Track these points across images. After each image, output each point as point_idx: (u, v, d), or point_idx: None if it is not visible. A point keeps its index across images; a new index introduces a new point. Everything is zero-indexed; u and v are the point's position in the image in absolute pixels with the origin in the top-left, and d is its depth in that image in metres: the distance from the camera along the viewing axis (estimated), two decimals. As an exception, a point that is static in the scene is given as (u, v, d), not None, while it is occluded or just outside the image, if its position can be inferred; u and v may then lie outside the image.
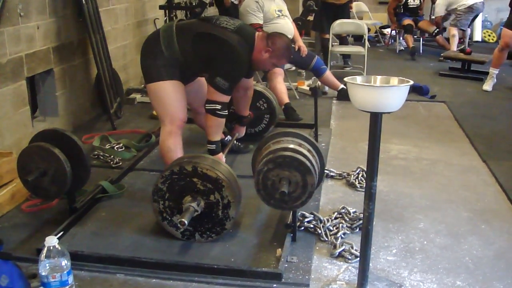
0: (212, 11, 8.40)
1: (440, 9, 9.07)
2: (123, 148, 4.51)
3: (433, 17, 9.52)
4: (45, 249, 2.36)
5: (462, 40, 9.36)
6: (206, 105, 3.60)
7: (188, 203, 2.89)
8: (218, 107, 3.56)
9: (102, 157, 4.32)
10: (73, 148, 3.19)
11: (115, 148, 4.48)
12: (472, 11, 8.79)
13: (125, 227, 3.22)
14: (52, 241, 2.37)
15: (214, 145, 3.69)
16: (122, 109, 5.60)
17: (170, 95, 3.55)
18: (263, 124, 4.76)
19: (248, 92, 4.20)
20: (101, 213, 3.41)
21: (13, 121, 4.09)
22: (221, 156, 3.69)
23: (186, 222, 2.78)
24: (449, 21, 9.10)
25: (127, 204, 3.55)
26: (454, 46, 8.85)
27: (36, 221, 3.29)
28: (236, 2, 7.76)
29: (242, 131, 4.41)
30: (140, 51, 3.74)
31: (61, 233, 2.99)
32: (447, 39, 9.18)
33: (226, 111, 3.65)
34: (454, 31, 8.88)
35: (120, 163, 4.22)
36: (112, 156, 4.31)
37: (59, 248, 2.38)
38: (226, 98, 3.59)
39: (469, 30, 9.32)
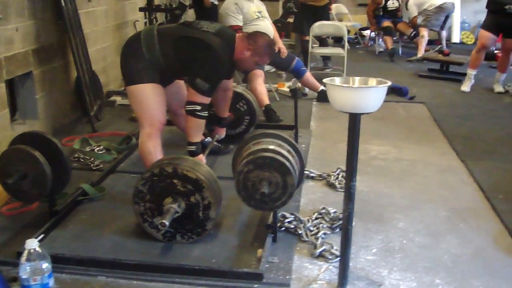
0: (191, 13, 8.39)
1: (413, 10, 9.16)
2: (104, 151, 4.49)
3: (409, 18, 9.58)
4: (26, 252, 2.36)
5: (439, 42, 9.46)
6: (186, 106, 3.61)
7: (169, 204, 2.90)
8: (198, 108, 3.57)
9: (82, 160, 4.31)
10: (54, 150, 3.18)
11: (95, 150, 4.47)
12: (442, 11, 8.88)
13: (106, 229, 3.22)
14: (32, 244, 2.37)
15: (195, 146, 3.70)
16: (102, 112, 5.58)
17: (149, 98, 3.55)
18: (243, 126, 4.77)
19: (228, 93, 4.22)
20: (82, 215, 3.40)
21: (-8, 124, 4.07)
22: (202, 157, 3.70)
23: (167, 223, 2.79)
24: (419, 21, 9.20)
25: (108, 207, 3.54)
26: (422, 47, 8.93)
27: (16, 224, 3.26)
28: (216, 3, 7.76)
29: (222, 133, 4.41)
30: (121, 53, 3.73)
31: (42, 236, 2.97)
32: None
33: (206, 112, 3.66)
34: (424, 32, 8.96)
35: (101, 166, 4.21)
36: (92, 159, 4.30)
37: (40, 251, 2.38)
38: (206, 100, 3.60)
39: (445, 32, 9.42)
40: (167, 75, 3.67)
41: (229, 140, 4.56)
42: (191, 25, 3.72)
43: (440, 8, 8.81)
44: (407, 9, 9.42)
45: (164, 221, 2.79)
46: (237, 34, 3.79)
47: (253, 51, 3.70)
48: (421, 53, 8.87)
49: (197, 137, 3.72)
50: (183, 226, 3.01)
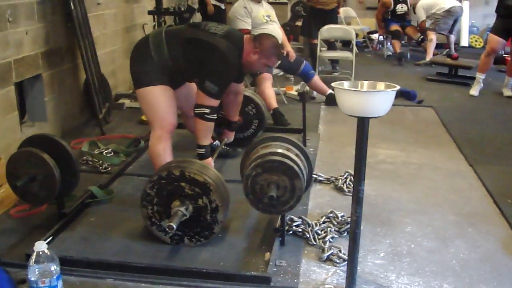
0: (200, 16, 8.41)
1: (421, 14, 9.14)
2: (112, 153, 4.50)
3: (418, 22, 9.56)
4: (34, 254, 2.36)
5: (447, 45, 9.44)
6: (195, 109, 3.61)
7: (177, 207, 2.90)
8: (207, 111, 3.57)
9: (91, 162, 4.32)
10: (62, 153, 3.19)
11: (104, 153, 4.48)
12: (451, 15, 8.87)
13: (114, 232, 3.22)
14: (41, 246, 2.37)
15: (204, 150, 3.69)
16: (110, 114, 5.60)
17: (159, 100, 3.56)
18: (251, 129, 4.77)
19: (238, 97, 4.22)
20: (90, 218, 3.41)
21: (2, 126, 4.08)
22: (210, 161, 3.70)
23: (174, 226, 2.79)
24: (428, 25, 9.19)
25: (116, 209, 3.55)
26: (430, 51, 8.93)
27: (25, 226, 3.28)
28: (223, 7, 7.77)
29: (231, 136, 4.41)
30: (130, 57, 3.75)
31: (50, 238, 2.98)
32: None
33: (215, 115, 3.66)
34: (432, 36, 8.95)
35: (109, 168, 4.22)
36: (101, 161, 4.31)
37: (48, 253, 2.38)
38: (215, 102, 3.60)
39: (453, 36, 9.39)
40: (176, 77, 3.68)
41: (237, 143, 4.56)
42: (198, 27, 3.72)
43: (448, 12, 8.80)
44: (415, 13, 9.41)
45: (171, 224, 2.79)
46: (245, 36, 3.80)
47: (260, 53, 3.71)
48: (429, 56, 8.86)
49: (206, 140, 3.71)
50: (190, 229, 3.02)
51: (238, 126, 4.45)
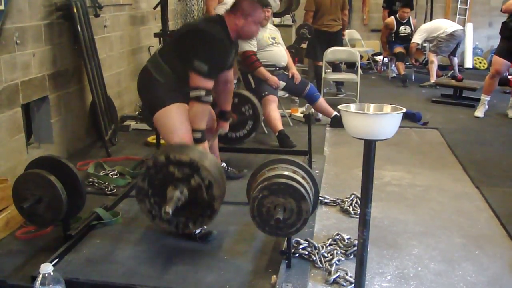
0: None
1: (416, 36, 9.07)
2: (118, 175, 4.51)
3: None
4: (40, 276, 2.35)
5: (451, 67, 9.46)
6: (190, 92, 3.52)
7: (171, 193, 2.89)
8: (202, 93, 3.48)
9: (96, 184, 4.33)
10: (69, 175, 3.20)
11: (109, 175, 4.49)
12: (454, 39, 8.90)
13: (120, 254, 3.22)
14: (47, 268, 2.37)
15: (200, 133, 3.57)
16: (116, 136, 5.61)
17: (174, 118, 3.54)
18: (245, 130, 4.74)
19: (229, 85, 4.12)
20: (96, 240, 3.41)
21: (8, 147, 4.10)
22: (206, 145, 3.64)
23: (170, 211, 2.76)
24: (429, 47, 9.22)
25: (121, 231, 3.54)
26: (433, 72, 8.96)
27: (30, 248, 3.28)
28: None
29: (225, 127, 4.26)
30: (138, 91, 3.79)
31: (56, 260, 2.98)
32: (439, 66, 9.31)
33: (211, 97, 3.57)
34: (433, 58, 8.99)
35: (115, 190, 4.23)
36: (106, 183, 4.31)
37: (54, 275, 2.38)
38: (208, 83, 3.52)
39: (456, 59, 9.42)
40: (185, 86, 3.61)
41: (228, 142, 4.57)
42: (180, 28, 3.78)
43: (451, 36, 8.84)
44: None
45: (167, 208, 2.76)
46: (224, 14, 3.73)
47: (243, 15, 3.63)
48: (433, 78, 8.89)
49: (202, 124, 3.60)
50: (192, 212, 3.00)
51: (230, 117, 4.28)
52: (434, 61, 8.98)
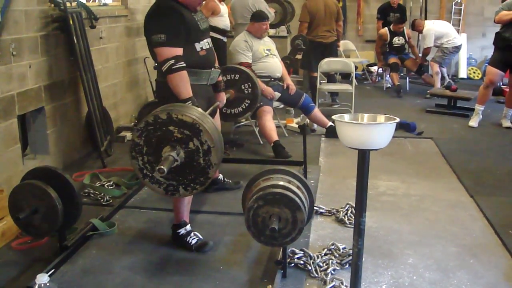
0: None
1: (430, 40, 9.05)
2: (114, 186, 4.53)
3: (424, 47, 9.51)
4: (36, 287, 2.36)
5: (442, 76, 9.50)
6: (162, 68, 3.33)
7: (167, 153, 2.77)
8: (172, 61, 3.29)
9: (92, 195, 4.34)
10: (64, 185, 3.20)
11: (105, 186, 4.50)
12: (457, 52, 8.99)
13: (115, 264, 3.22)
14: (43, 279, 2.38)
15: (190, 101, 3.34)
16: (112, 147, 5.62)
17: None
18: (240, 108, 4.76)
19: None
20: (92, 250, 3.41)
21: (4, 158, 4.11)
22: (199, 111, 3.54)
23: (165, 169, 2.64)
24: (432, 55, 9.26)
25: (117, 242, 3.55)
26: (438, 83, 9.01)
27: (26, 259, 3.28)
28: (225, 40, 7.84)
29: (222, 98, 4.07)
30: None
31: (52, 270, 2.98)
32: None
33: (183, 62, 3.34)
34: (437, 68, 9.06)
35: (111, 201, 4.24)
36: (102, 194, 4.33)
37: (50, 286, 2.39)
38: (172, 51, 3.31)
39: (445, 69, 9.49)
40: None
41: (222, 117, 4.49)
42: None
43: (457, 48, 8.93)
44: (423, 36, 9.35)
45: (162, 166, 2.65)
46: None
47: None
48: (437, 87, 8.93)
49: (187, 92, 3.38)
50: (184, 176, 2.87)
51: (229, 96, 4.18)
52: (439, 71, 9.06)
